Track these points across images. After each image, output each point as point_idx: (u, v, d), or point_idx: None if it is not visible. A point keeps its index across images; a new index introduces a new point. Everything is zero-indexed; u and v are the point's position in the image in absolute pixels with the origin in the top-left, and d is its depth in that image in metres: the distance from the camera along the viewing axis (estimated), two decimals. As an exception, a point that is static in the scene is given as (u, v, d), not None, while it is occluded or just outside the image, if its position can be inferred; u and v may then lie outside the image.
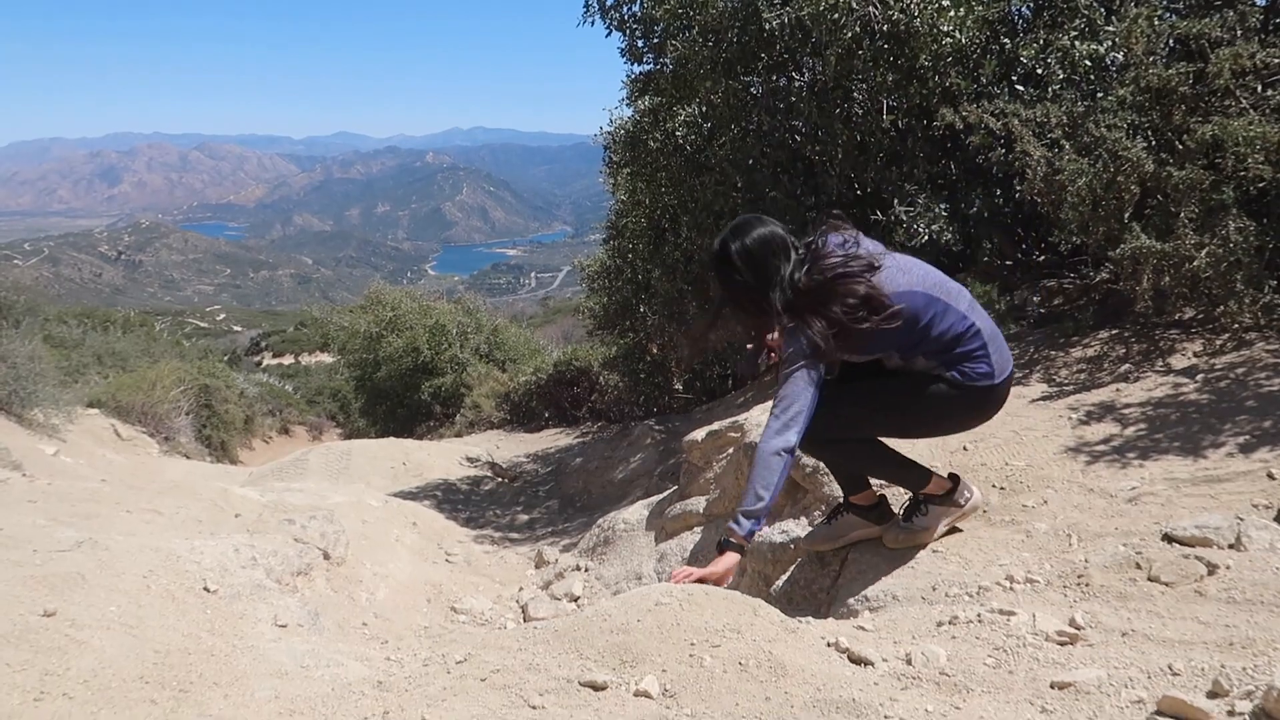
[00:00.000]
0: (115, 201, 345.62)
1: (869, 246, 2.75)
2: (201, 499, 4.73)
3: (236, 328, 72.77)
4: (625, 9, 6.93)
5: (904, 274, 2.69)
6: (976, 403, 2.80)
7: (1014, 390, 4.08)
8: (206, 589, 2.59)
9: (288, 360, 51.54)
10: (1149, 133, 4.35)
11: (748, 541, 2.58)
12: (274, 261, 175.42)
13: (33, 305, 12.83)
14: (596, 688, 1.98)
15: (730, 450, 4.58)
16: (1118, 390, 3.86)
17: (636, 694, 1.96)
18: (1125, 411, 3.64)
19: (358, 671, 2.16)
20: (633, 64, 7.25)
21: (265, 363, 49.74)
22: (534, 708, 1.91)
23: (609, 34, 7.09)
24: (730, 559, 2.56)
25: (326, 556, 4.34)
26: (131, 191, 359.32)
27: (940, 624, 2.45)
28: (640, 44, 7.02)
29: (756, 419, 4.48)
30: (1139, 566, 2.50)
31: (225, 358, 31.36)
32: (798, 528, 3.62)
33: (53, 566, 2.39)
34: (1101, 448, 3.37)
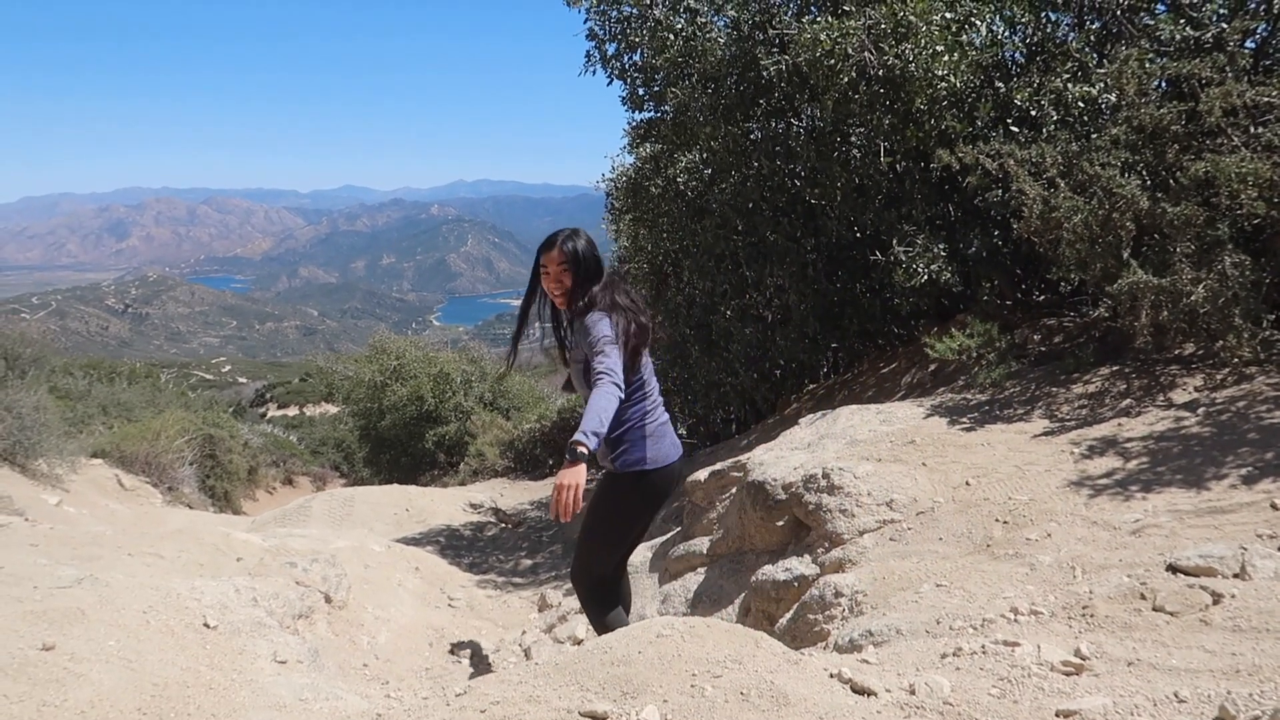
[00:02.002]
0: (123, 255, 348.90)
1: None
2: (204, 543, 4.72)
3: (241, 379, 72.93)
4: (626, 58, 7.06)
5: None
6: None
7: (1017, 426, 4.11)
8: (206, 625, 2.58)
9: (292, 411, 51.54)
10: (1143, 171, 4.41)
11: (592, 454, 2.91)
12: (279, 314, 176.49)
13: (39, 356, 12.90)
14: (597, 718, 1.96)
15: (733, 490, 4.57)
16: (1119, 425, 3.86)
17: (637, 724, 1.94)
18: (1127, 445, 3.63)
19: (356, 705, 2.14)
20: (634, 111, 7.37)
21: (270, 414, 49.72)
22: (534, 738, 1.89)
23: (610, 83, 7.21)
24: (581, 468, 2.86)
25: (328, 600, 4.32)
26: (140, 245, 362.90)
27: (944, 655, 2.43)
28: (641, 92, 7.13)
29: (759, 458, 4.48)
30: (1144, 597, 2.48)
31: (230, 409, 31.37)
32: (802, 565, 3.61)
33: (53, 602, 2.39)
34: (1104, 481, 3.37)
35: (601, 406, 2.96)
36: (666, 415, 3.46)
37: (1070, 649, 2.33)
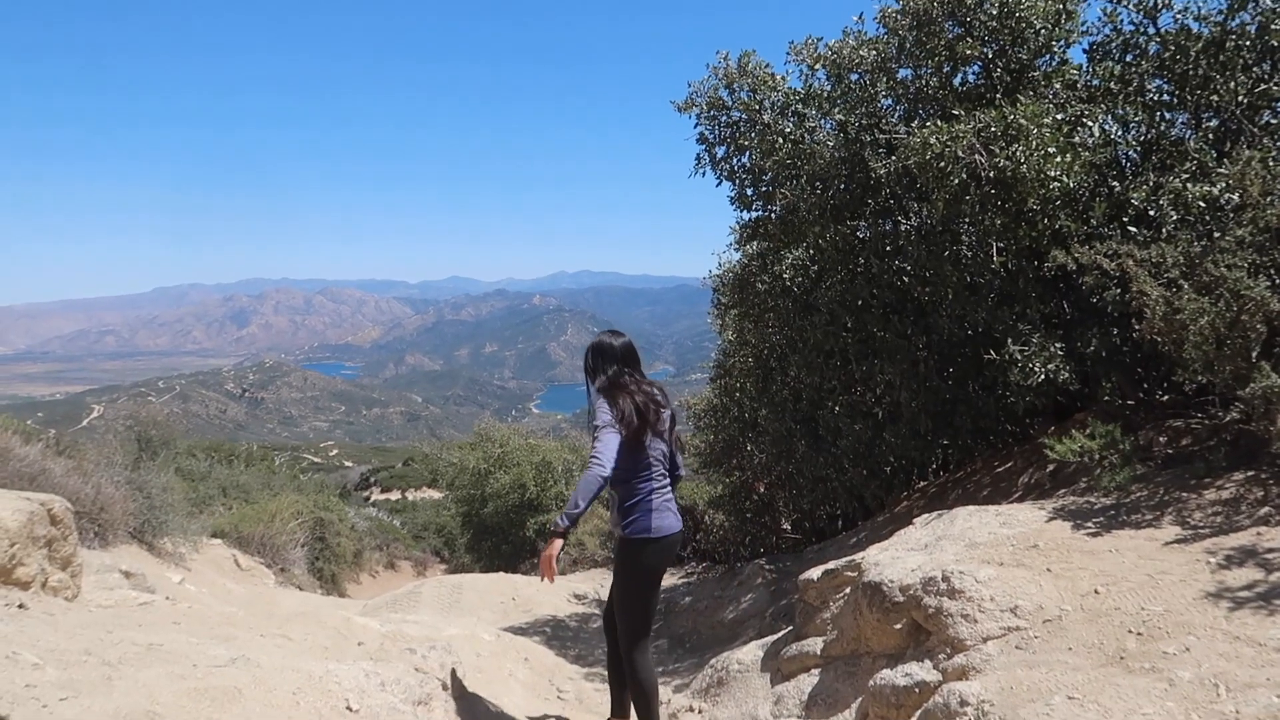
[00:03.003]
0: (243, 342, 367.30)
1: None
2: (326, 627, 4.89)
3: (348, 463, 75.03)
4: (735, 160, 7.30)
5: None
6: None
7: (1146, 532, 3.98)
8: (349, 708, 2.70)
9: (395, 495, 52.64)
10: (1272, 271, 4.31)
11: (564, 533, 3.60)
12: (385, 399, 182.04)
13: (168, 439, 13.64)
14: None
15: (847, 590, 4.52)
16: (1259, 534, 3.70)
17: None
18: (1269, 557, 3.48)
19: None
20: (742, 211, 7.56)
21: (373, 497, 50.89)
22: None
23: (719, 183, 7.45)
24: (556, 542, 3.60)
25: (445, 687, 4.41)
26: (259, 333, 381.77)
27: (1082, 773, 2.36)
28: (749, 192, 7.34)
29: (874, 558, 4.44)
30: (1296, 719, 2.37)
31: (337, 492, 32.27)
32: (923, 671, 3.54)
33: (212, 680, 2.54)
34: (1245, 594, 3.23)
35: (581, 489, 3.54)
36: (671, 494, 4.01)
37: (1218, 772, 2.24)
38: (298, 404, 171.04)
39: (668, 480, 4.00)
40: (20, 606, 3.66)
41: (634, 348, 4.18)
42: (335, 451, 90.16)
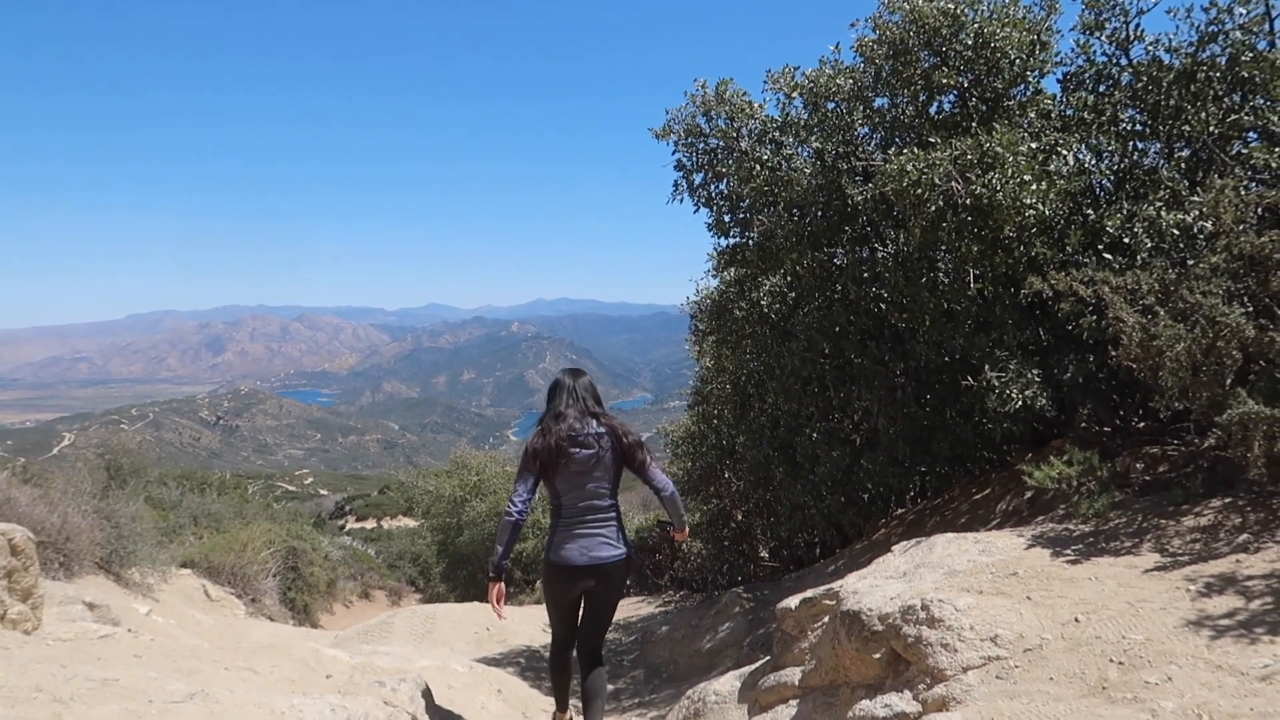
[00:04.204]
0: (219, 369, 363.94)
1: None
2: (294, 658, 4.77)
3: (323, 491, 74.18)
4: (712, 187, 7.30)
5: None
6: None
7: (1125, 560, 3.95)
8: (310, 745, 2.60)
9: (370, 524, 52.04)
10: (1245, 299, 4.33)
11: (496, 578, 4.21)
12: (362, 427, 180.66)
13: (138, 467, 13.38)
14: None
15: (825, 619, 4.46)
16: (1238, 561, 3.68)
17: None
18: (1248, 584, 3.46)
19: (460, 836, 2.12)
20: (719, 237, 7.55)
21: (349, 526, 50.28)
22: None
23: (696, 210, 7.44)
24: (495, 586, 4.23)
25: (415, 720, 4.30)
26: (234, 360, 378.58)
27: (1067, 808, 2.30)
28: (726, 219, 7.33)
29: (852, 586, 4.38)
30: (1281, 750, 2.33)
31: (311, 520, 31.82)
32: (902, 702, 3.48)
33: (169, 718, 2.44)
34: (1226, 622, 3.20)
35: (498, 534, 4.17)
36: (594, 527, 4.27)
37: (1204, 805, 2.19)
38: (273, 431, 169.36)
39: (591, 514, 4.27)
40: (-27, 639, 3.53)
41: (590, 384, 4.48)
42: (310, 479, 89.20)
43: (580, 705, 4.56)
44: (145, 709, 2.49)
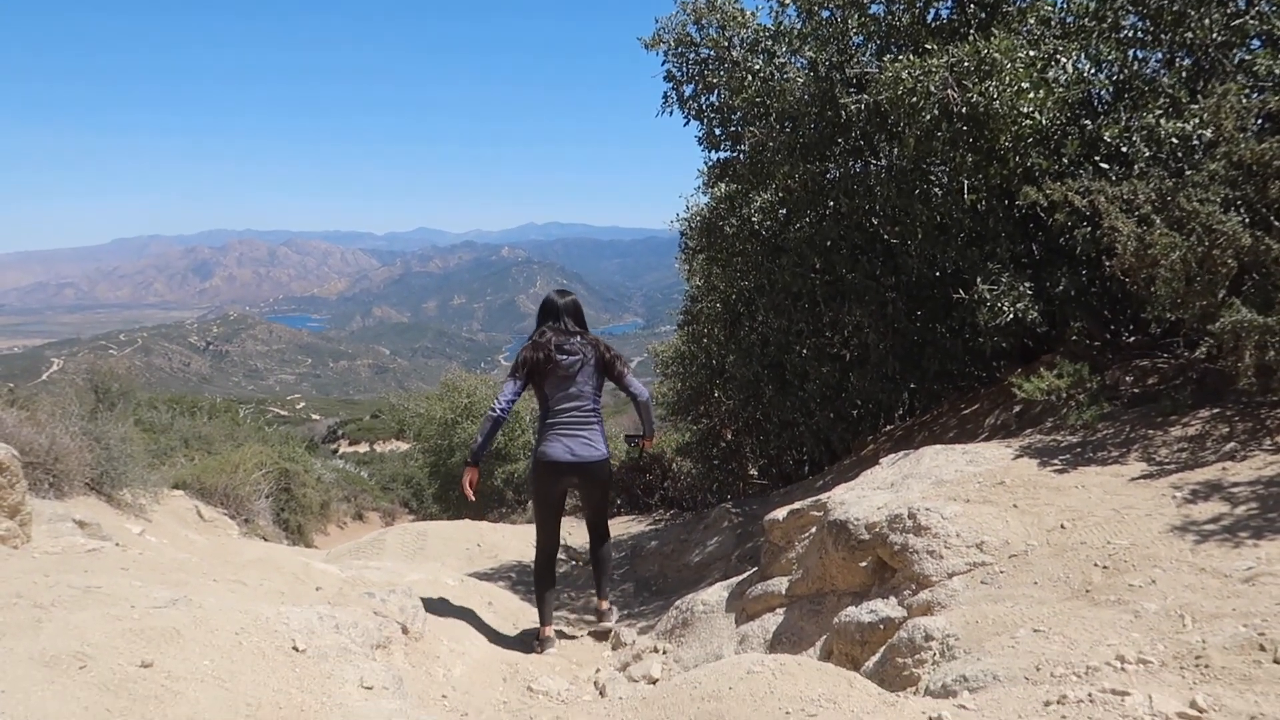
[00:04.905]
0: (206, 294, 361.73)
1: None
2: (284, 572, 4.78)
3: (315, 416, 74.46)
4: (703, 99, 7.12)
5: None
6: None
7: (1112, 469, 3.96)
8: (295, 648, 2.60)
9: (363, 448, 52.39)
10: (1242, 207, 4.26)
11: (474, 462, 4.80)
12: (353, 352, 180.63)
13: (126, 390, 13.32)
14: (690, 753, 1.91)
15: (813, 529, 4.48)
16: (1224, 469, 3.69)
17: (732, 761, 1.88)
18: (1234, 490, 3.47)
19: (445, 733, 2.13)
20: (710, 151, 7.40)
21: (341, 450, 50.62)
22: (626, 771, 1.84)
23: (687, 123, 7.28)
24: (469, 471, 4.81)
25: (405, 631, 4.33)
26: (222, 285, 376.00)
27: (1047, 703, 2.32)
28: (717, 132, 7.18)
29: (840, 497, 4.39)
30: (1263, 649, 2.34)
31: (304, 444, 31.98)
32: (888, 608, 3.50)
33: (150, 621, 2.43)
34: (1210, 527, 3.21)
35: (480, 428, 4.74)
36: (578, 428, 4.76)
37: (1185, 700, 2.21)
38: (263, 357, 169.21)
39: (575, 417, 4.77)
40: (-43, 551, 3.52)
41: (575, 304, 4.95)
42: (302, 405, 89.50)
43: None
44: (127, 613, 2.48)
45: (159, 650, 2.24)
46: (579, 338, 4.78)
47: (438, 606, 4.99)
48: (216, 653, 2.34)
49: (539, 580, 5.05)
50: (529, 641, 5.04)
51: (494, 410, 4.65)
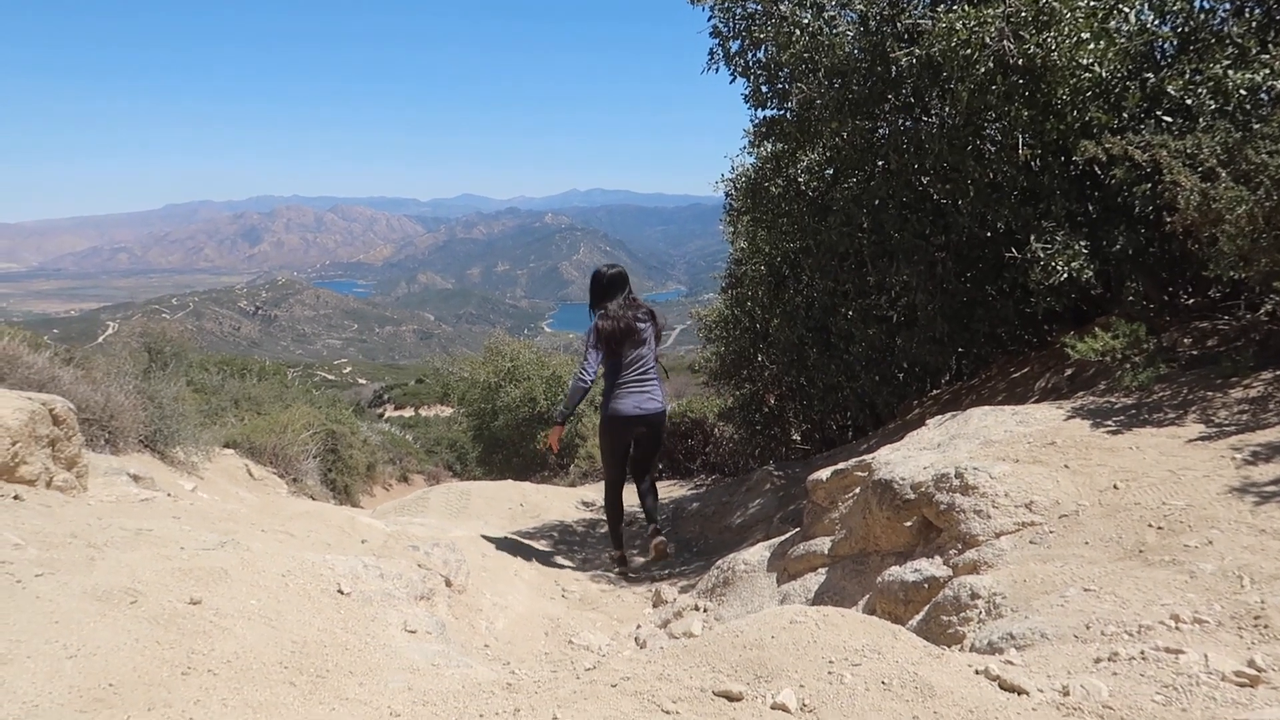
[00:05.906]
0: (255, 260, 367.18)
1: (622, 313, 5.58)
2: (330, 525, 4.85)
3: (361, 380, 75.52)
4: (750, 55, 6.98)
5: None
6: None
7: (1168, 430, 3.85)
8: (340, 591, 2.63)
9: (408, 412, 53.11)
10: (1315, 161, 4.08)
11: (560, 423, 5.67)
12: (398, 318, 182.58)
13: (179, 352, 13.58)
14: (731, 698, 1.90)
15: (857, 490, 4.44)
16: (1287, 431, 3.57)
17: (774, 706, 1.86)
18: (1297, 452, 3.35)
19: (487, 674, 2.14)
20: (756, 109, 7.26)
21: (387, 414, 51.33)
22: (667, 713, 1.84)
23: (733, 80, 7.14)
24: (556, 429, 5.68)
25: (448, 584, 4.37)
26: (270, 251, 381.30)
27: (1098, 660, 2.27)
28: (764, 89, 7.03)
29: (885, 457, 4.33)
30: (1326, 609, 2.26)
31: (350, 408, 32.43)
32: (933, 567, 3.45)
33: (198, 561, 2.47)
34: (1272, 488, 3.11)
35: (570, 394, 5.56)
36: (644, 386, 5.55)
37: (1243, 659, 2.15)
38: (311, 322, 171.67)
39: (641, 376, 5.54)
40: (15, 498, 3.61)
41: (625, 275, 5.70)
42: (349, 369, 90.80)
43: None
44: (177, 554, 2.52)
45: (207, 589, 2.28)
46: (643, 308, 5.62)
47: (480, 562, 5.04)
48: (263, 593, 2.38)
49: (611, 511, 5.94)
50: (572, 599, 5.08)
51: (583, 380, 5.43)
